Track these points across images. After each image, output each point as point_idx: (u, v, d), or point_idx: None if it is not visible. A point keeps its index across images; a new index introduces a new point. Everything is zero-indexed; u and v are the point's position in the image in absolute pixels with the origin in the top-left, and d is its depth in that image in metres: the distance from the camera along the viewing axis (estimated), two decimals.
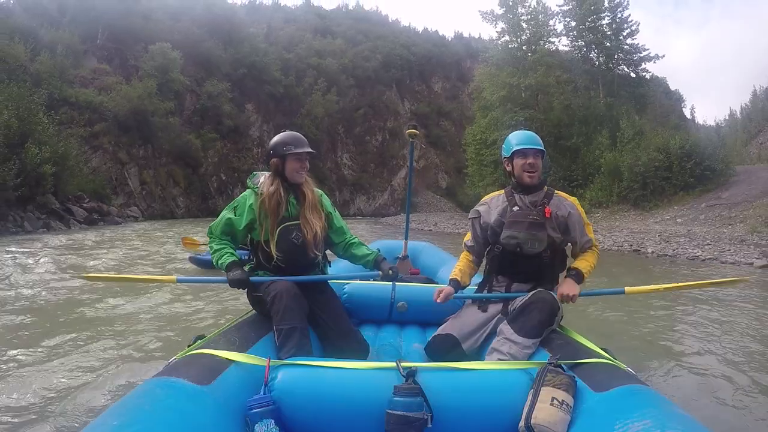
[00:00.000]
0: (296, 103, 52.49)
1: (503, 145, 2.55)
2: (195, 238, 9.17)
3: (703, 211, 19.19)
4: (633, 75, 30.71)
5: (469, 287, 2.62)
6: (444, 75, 75.11)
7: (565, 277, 2.39)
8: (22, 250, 9.96)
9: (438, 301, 2.38)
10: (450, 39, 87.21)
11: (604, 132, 24.77)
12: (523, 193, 2.45)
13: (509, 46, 29.51)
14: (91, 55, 37.31)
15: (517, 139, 2.47)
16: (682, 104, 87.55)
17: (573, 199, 2.48)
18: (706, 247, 12.04)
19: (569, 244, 2.50)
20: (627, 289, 2.39)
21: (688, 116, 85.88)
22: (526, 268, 2.40)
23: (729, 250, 11.35)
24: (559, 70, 28.71)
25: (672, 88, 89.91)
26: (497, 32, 31.56)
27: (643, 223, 19.82)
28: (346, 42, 66.46)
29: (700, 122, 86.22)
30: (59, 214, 17.04)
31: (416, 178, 65.06)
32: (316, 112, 52.93)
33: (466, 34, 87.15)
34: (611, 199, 23.02)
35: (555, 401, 1.54)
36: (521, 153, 2.42)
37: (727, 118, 61.25)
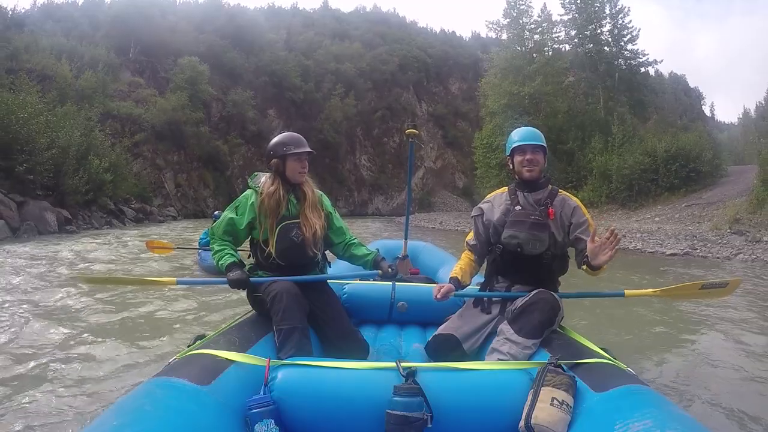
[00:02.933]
0: (316, 107, 55.79)
1: (506, 143, 2.59)
2: (163, 240, 8.82)
3: (681, 210, 20.71)
4: (632, 80, 31.76)
5: (469, 287, 2.62)
6: (461, 76, 76.79)
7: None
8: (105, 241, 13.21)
9: (437, 297, 2.36)
10: (467, 39, 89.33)
11: (597, 137, 26.89)
12: (526, 190, 2.48)
13: (513, 55, 31.24)
14: (125, 69, 41.43)
15: (517, 135, 2.51)
16: (702, 102, 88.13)
17: (577, 200, 2.49)
18: (650, 241, 14.27)
19: (572, 246, 2.50)
20: (627, 292, 2.48)
21: (708, 114, 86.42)
22: (526, 269, 2.41)
23: (666, 242, 13.80)
24: (558, 77, 30.45)
25: (692, 85, 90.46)
26: (504, 39, 33.56)
27: (625, 221, 21.15)
28: (364, 45, 68.98)
29: (722, 120, 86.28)
30: (116, 214, 20.88)
31: (433, 178, 67.35)
32: (335, 116, 56.09)
33: (483, 35, 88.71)
34: (601, 200, 25.09)
35: (555, 401, 1.59)
36: (520, 149, 2.46)
37: (740, 116, 61.92)
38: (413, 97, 71.22)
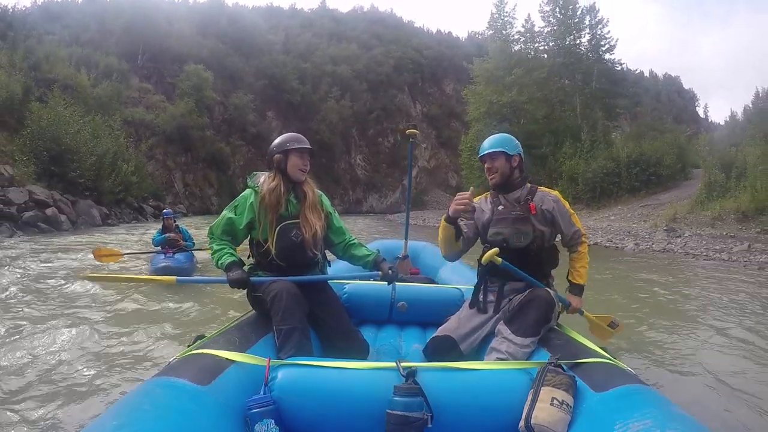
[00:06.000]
0: (313, 109, 59.54)
1: None
2: (113, 247, 8.48)
3: (636, 210, 22.83)
4: (609, 89, 34.13)
5: (465, 289, 2.83)
6: (455, 77, 77.71)
7: (568, 292, 2.67)
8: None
9: (457, 201, 2.30)
10: (463, 39, 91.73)
11: (567, 143, 29.89)
12: (502, 192, 2.64)
13: (494, 66, 33.50)
14: (134, 75, 45.09)
15: (481, 147, 2.67)
16: (696, 103, 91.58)
17: (556, 193, 2.64)
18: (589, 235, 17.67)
19: (558, 236, 2.66)
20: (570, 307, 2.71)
21: (702, 115, 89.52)
22: (514, 262, 2.48)
23: (592, 236, 16.47)
24: (538, 86, 32.86)
25: (687, 86, 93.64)
26: (490, 45, 35.58)
27: (586, 219, 22.95)
28: (360, 47, 72.35)
29: (716, 121, 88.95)
30: (139, 210, 24.81)
31: (427, 177, 69.93)
32: (331, 117, 59.91)
33: (479, 36, 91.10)
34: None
35: (555, 401, 1.63)
36: (482, 159, 2.65)
37: (727, 119, 64.97)
38: (408, 98, 74.27)
